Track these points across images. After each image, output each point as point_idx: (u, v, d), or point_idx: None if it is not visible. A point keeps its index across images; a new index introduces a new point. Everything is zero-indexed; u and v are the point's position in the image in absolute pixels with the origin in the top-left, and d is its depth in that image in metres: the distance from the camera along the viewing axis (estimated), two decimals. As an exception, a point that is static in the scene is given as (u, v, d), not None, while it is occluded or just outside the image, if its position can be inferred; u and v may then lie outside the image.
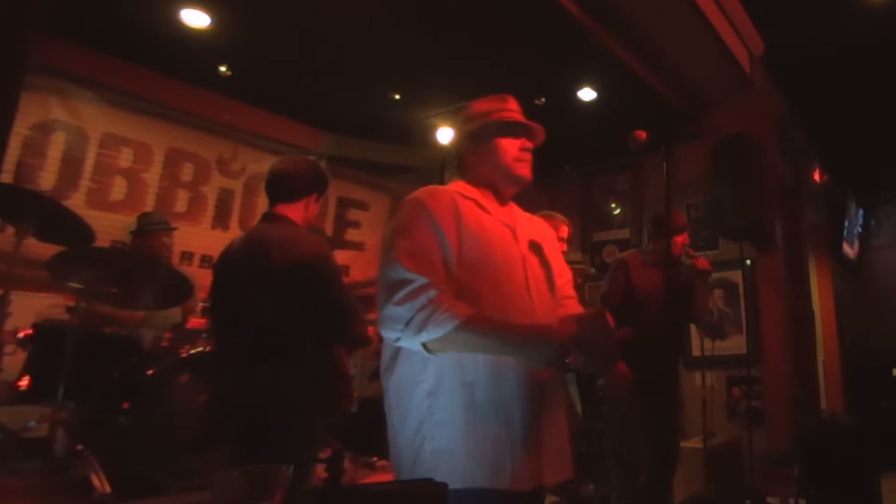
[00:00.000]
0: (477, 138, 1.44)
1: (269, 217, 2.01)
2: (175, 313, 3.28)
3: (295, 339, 1.83)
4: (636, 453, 2.79)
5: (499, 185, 1.45)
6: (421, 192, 1.35)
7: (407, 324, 1.16)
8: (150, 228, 3.56)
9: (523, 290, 1.34)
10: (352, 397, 2.06)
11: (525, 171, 1.43)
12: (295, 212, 2.00)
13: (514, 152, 1.41)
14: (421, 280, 1.18)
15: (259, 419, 1.79)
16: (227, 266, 2.00)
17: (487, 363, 1.24)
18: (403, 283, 1.18)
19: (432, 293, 1.17)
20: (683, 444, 3.60)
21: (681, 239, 2.89)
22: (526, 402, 1.26)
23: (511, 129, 1.43)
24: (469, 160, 1.46)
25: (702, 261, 2.92)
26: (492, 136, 1.42)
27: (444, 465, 1.20)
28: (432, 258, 1.24)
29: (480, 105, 1.49)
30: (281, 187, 2.02)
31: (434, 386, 1.24)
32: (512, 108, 1.47)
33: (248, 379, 1.84)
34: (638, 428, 2.78)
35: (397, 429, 1.29)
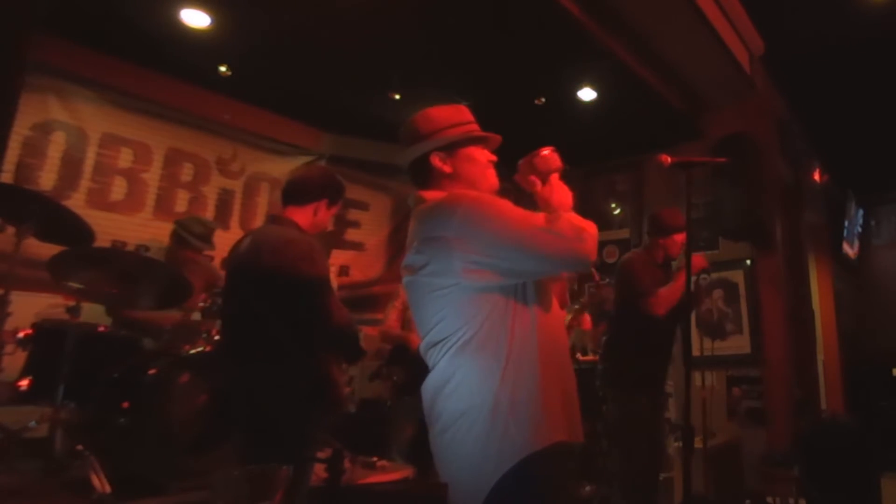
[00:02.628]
0: (451, 150, 1.47)
1: (272, 219, 2.08)
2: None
3: (280, 341, 1.84)
4: (642, 449, 2.79)
5: None
6: (466, 192, 1.39)
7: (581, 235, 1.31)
8: (190, 243, 3.53)
9: None
10: (341, 401, 2.06)
11: (495, 179, 1.50)
12: (302, 215, 2.03)
13: (486, 163, 1.49)
14: (546, 220, 1.31)
15: (246, 418, 1.81)
16: (230, 265, 2.06)
17: (541, 343, 1.34)
18: (546, 232, 1.29)
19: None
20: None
21: (680, 238, 2.92)
22: (566, 369, 1.40)
23: (482, 142, 1.51)
24: (446, 170, 1.47)
25: (698, 258, 2.93)
26: (467, 149, 1.48)
27: (532, 428, 1.25)
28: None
29: (442, 115, 1.50)
30: (291, 190, 2.07)
31: (513, 371, 1.29)
32: (474, 121, 1.53)
33: (236, 378, 1.88)
34: (641, 423, 2.80)
35: (470, 401, 1.29)
